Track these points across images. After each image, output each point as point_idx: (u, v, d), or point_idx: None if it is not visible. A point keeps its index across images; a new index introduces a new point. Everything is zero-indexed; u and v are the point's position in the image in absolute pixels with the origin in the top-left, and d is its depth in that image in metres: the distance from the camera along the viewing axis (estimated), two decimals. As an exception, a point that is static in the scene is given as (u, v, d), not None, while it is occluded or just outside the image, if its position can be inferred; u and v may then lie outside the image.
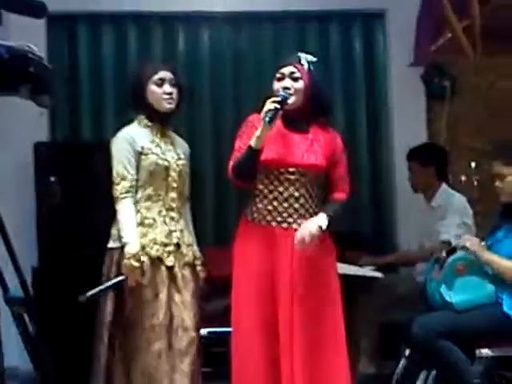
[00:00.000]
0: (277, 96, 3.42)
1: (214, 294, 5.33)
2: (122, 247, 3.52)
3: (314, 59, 3.58)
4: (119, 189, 3.57)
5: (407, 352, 4.66)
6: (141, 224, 3.58)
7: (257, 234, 3.52)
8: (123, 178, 3.58)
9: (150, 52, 5.75)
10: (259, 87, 5.41)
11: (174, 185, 3.66)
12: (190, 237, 3.75)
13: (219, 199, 5.76)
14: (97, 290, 3.46)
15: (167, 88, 3.64)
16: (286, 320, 3.41)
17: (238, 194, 5.50)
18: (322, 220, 3.45)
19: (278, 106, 3.37)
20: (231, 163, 3.50)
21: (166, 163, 3.64)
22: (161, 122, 3.70)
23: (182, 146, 3.83)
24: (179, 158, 3.70)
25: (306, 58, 3.56)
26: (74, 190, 5.10)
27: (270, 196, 3.51)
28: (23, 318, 2.43)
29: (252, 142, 3.38)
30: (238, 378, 3.48)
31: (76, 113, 5.71)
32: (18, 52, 2.24)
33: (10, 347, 2.58)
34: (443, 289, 4.02)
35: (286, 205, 3.50)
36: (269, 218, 3.51)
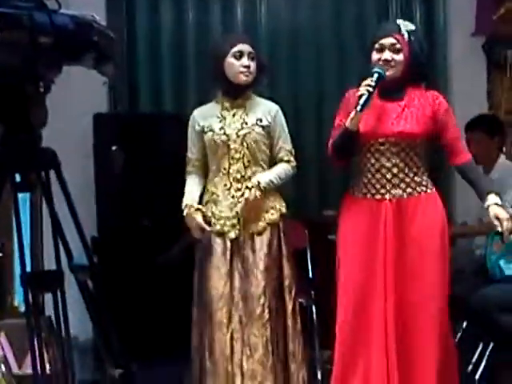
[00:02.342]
0: (372, 76, 3.35)
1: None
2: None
3: (413, 27, 3.49)
4: (186, 168, 3.76)
5: (464, 325, 4.64)
6: (209, 201, 3.69)
7: (354, 207, 3.53)
8: (188, 160, 3.76)
9: (208, 22, 5.74)
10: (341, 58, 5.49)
11: (237, 156, 3.67)
12: (267, 201, 3.70)
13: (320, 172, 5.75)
14: (169, 254, 3.56)
15: (245, 61, 3.64)
16: (380, 293, 3.42)
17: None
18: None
19: (371, 90, 3.31)
20: (331, 141, 3.50)
21: (224, 137, 3.66)
22: (234, 94, 3.71)
23: (262, 110, 3.74)
24: (244, 127, 3.68)
25: (405, 26, 3.46)
26: (133, 160, 5.15)
27: (365, 168, 3.51)
28: (87, 284, 2.47)
29: (347, 123, 3.35)
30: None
31: (135, 84, 5.74)
32: (82, 21, 2.26)
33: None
34: (503, 262, 3.98)
35: (378, 176, 3.48)
36: (364, 190, 3.52)
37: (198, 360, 3.64)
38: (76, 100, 5.16)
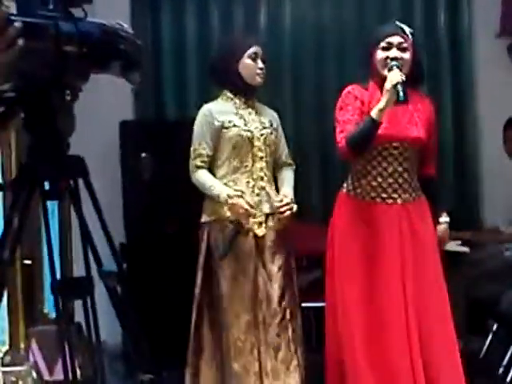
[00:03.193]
0: (395, 68, 3.34)
1: (298, 270, 5.37)
2: (212, 221, 3.63)
3: (412, 30, 3.52)
4: (194, 163, 3.65)
5: (495, 327, 4.61)
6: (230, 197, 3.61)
7: (360, 210, 3.50)
8: (199, 155, 3.64)
9: (233, 26, 5.75)
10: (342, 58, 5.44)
11: (260, 154, 3.68)
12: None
13: (321, 173, 5.72)
14: (223, 248, 3.53)
15: (260, 63, 3.68)
16: (398, 293, 3.39)
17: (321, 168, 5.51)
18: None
19: (405, 78, 3.30)
20: (342, 135, 3.41)
21: (249, 134, 3.66)
22: (247, 94, 3.73)
23: (269, 114, 3.83)
24: (264, 128, 3.72)
25: (407, 28, 3.49)
26: (159, 167, 5.17)
27: (374, 172, 3.48)
28: (116, 290, 2.48)
29: (374, 114, 3.31)
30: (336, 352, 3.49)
31: (160, 90, 5.76)
32: (109, 29, 2.28)
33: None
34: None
35: (390, 180, 3.46)
36: (373, 194, 3.48)
37: (206, 362, 3.63)
38: (102, 107, 5.19)
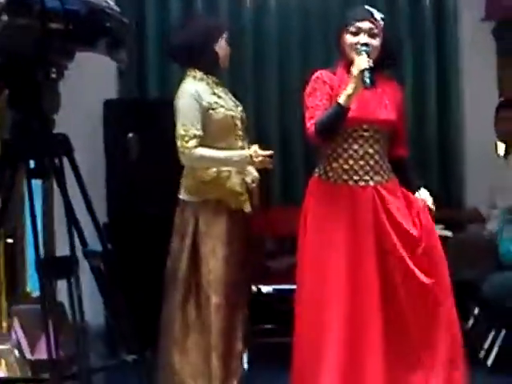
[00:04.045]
0: (364, 53, 3.32)
1: (279, 252, 5.38)
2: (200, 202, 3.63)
3: (383, 16, 3.49)
4: (189, 145, 3.55)
5: (476, 311, 4.63)
6: (217, 178, 3.61)
7: (333, 194, 3.49)
8: (194, 136, 3.56)
9: (218, 8, 5.71)
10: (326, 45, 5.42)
11: (240, 133, 3.71)
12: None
13: (286, 159, 5.73)
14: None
15: (228, 48, 3.75)
16: (373, 272, 3.38)
17: (305, 153, 5.51)
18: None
19: (372, 65, 3.29)
20: (312, 121, 3.40)
21: (232, 113, 3.68)
22: (218, 75, 3.77)
23: (230, 93, 3.85)
24: (237, 106, 3.75)
25: (377, 13, 3.47)
26: (142, 146, 5.14)
27: (345, 154, 3.47)
28: (100, 270, 2.47)
29: (342, 101, 3.30)
30: (304, 339, 3.48)
31: (143, 69, 5.72)
32: (95, 6, 2.25)
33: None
34: (516, 248, 3.98)
35: (361, 162, 3.46)
36: (345, 176, 3.48)
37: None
38: (86, 86, 5.16)
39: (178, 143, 3.58)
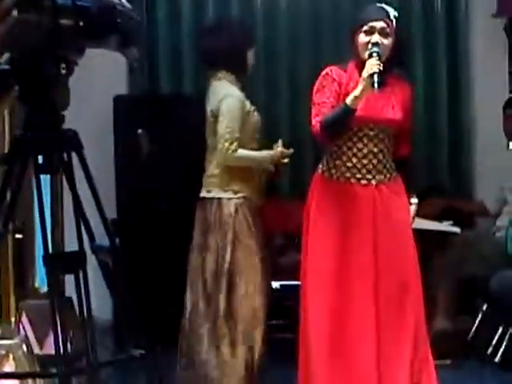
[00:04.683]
0: (375, 56, 3.31)
1: (288, 248, 5.38)
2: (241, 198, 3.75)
3: (396, 14, 3.49)
4: (233, 147, 3.66)
5: (484, 307, 4.63)
6: (243, 179, 3.74)
7: (335, 191, 3.51)
8: (237, 139, 3.67)
9: (228, 4, 5.72)
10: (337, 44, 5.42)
11: (258, 136, 3.85)
12: None
13: (295, 153, 5.72)
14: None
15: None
16: (367, 270, 3.41)
17: (315, 148, 5.50)
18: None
19: (382, 68, 3.28)
20: (318, 118, 3.42)
21: (259, 116, 3.85)
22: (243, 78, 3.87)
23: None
24: (255, 110, 3.84)
25: (392, 12, 3.47)
26: (152, 142, 5.14)
27: (349, 153, 3.48)
28: (108, 265, 2.48)
29: (349, 102, 3.30)
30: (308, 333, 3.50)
31: (154, 65, 5.73)
32: (107, 3, 2.25)
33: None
34: (524, 245, 3.97)
35: (365, 161, 3.47)
36: (348, 174, 3.49)
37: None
38: (97, 82, 5.17)
39: (222, 144, 3.68)
